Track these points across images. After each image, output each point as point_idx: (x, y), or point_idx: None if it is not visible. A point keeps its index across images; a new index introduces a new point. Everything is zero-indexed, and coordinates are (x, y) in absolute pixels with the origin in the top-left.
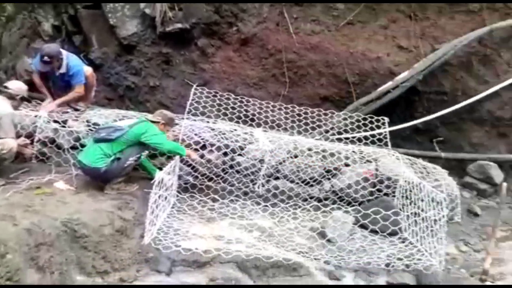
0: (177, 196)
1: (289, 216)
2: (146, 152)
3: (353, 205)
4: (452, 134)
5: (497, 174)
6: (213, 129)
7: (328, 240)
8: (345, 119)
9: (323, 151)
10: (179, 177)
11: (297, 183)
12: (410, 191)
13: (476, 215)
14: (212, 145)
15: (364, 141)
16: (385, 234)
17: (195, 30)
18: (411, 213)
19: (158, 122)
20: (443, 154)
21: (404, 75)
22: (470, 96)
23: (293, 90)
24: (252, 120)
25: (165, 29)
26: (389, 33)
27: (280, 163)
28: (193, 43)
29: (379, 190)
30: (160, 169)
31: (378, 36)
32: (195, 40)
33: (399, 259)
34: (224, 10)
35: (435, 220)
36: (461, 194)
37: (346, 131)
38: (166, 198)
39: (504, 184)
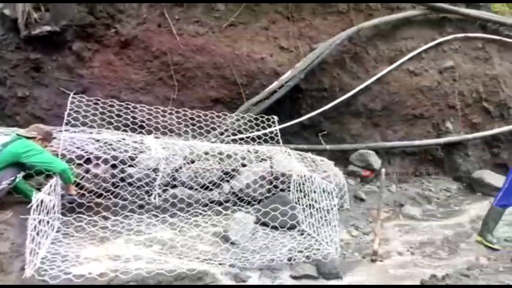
0: (62, 218)
1: (190, 224)
2: (22, 173)
3: (253, 204)
4: (334, 127)
5: (375, 161)
6: (97, 140)
7: (232, 243)
8: (237, 120)
9: (220, 153)
10: (62, 196)
11: (196, 189)
12: (303, 184)
13: (362, 200)
14: (97, 158)
15: (257, 140)
16: (284, 229)
17: (68, 33)
18: (306, 205)
19: (35, 138)
20: (328, 147)
21: (287, 74)
22: (346, 91)
23: (183, 93)
24: (142, 127)
25: (31, 33)
26: (270, 34)
27: (177, 170)
28: (66, 47)
29: (276, 187)
30: (39, 189)
31: (260, 37)
32: (69, 44)
33: (300, 251)
34: (99, 11)
35: (327, 210)
36: (347, 182)
37: (240, 132)
38: (48, 222)
39: (383, 170)
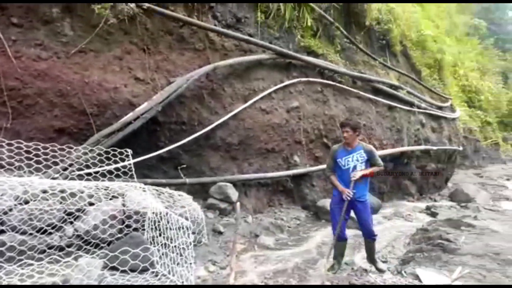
0: None
1: (21, 276)
2: None
3: (102, 247)
4: (194, 160)
5: (233, 193)
6: None
7: None
8: (85, 153)
9: (62, 191)
10: None
11: (31, 233)
12: (159, 222)
13: (220, 233)
14: None
15: (108, 175)
16: (136, 272)
17: None
18: (162, 244)
19: None
20: (187, 180)
21: (144, 106)
22: (205, 125)
23: (19, 122)
24: None
25: None
26: (125, 64)
27: (5, 213)
28: None
29: (128, 226)
30: None
31: (113, 66)
32: None
33: None
34: None
35: (183, 248)
36: (206, 215)
37: (88, 167)
38: None
39: (238, 203)
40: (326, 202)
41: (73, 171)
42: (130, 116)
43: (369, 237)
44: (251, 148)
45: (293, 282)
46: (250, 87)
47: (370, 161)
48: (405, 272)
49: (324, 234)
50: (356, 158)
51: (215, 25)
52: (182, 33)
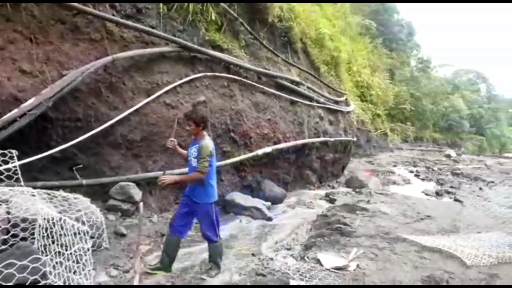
0: None
1: None
2: None
3: None
4: (91, 159)
5: (137, 193)
6: None
7: None
8: None
9: None
10: None
11: None
12: (51, 229)
13: (122, 235)
14: None
15: None
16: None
17: None
18: (55, 252)
19: None
20: (84, 181)
21: (31, 101)
22: (103, 121)
23: None
24: None
25: None
26: (7, 55)
27: None
28: None
29: (15, 236)
30: None
31: None
32: None
33: None
34: None
35: (80, 254)
36: (106, 218)
37: None
38: None
39: (141, 203)
40: (234, 196)
41: None
42: (15, 112)
43: (207, 240)
44: (155, 145)
45: (201, 278)
46: (153, 81)
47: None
48: (307, 257)
49: (232, 227)
50: (192, 153)
51: (113, 15)
52: (76, 22)
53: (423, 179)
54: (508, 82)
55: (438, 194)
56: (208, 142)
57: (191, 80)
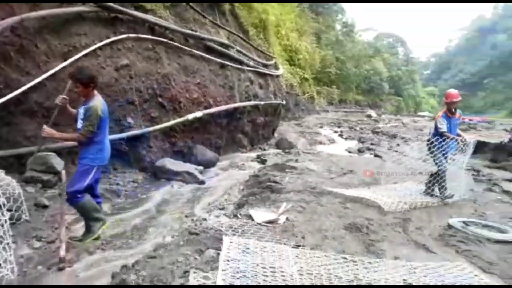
0: None
1: None
2: None
3: None
4: (4, 129)
5: (58, 163)
6: None
7: None
8: None
9: None
10: None
11: None
12: None
13: (45, 207)
14: None
15: None
16: None
17: None
18: None
19: None
20: None
21: None
22: (14, 88)
23: None
24: None
25: None
26: None
27: None
28: None
29: None
30: None
31: None
32: None
33: None
34: None
35: None
36: (25, 190)
37: None
38: None
39: (63, 171)
40: (164, 162)
41: None
42: None
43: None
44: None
45: (133, 243)
46: (69, 43)
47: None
48: (240, 214)
49: (163, 192)
50: (80, 113)
51: None
52: None
53: (346, 138)
54: (423, 47)
55: (360, 151)
56: (97, 103)
57: (113, 42)
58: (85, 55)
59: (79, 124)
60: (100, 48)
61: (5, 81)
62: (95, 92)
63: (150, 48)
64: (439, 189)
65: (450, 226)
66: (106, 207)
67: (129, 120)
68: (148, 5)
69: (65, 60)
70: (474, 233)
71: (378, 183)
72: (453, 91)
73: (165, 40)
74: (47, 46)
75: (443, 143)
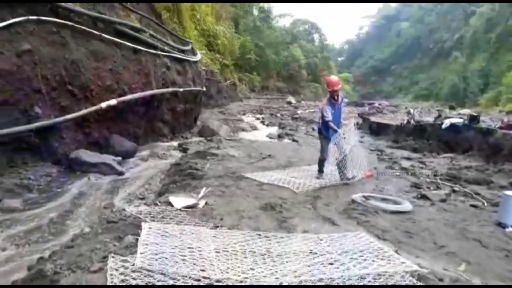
0: None
1: None
2: None
3: None
4: None
5: None
6: None
7: None
8: None
9: None
10: None
11: None
12: None
13: None
14: None
15: None
16: None
17: None
18: None
19: None
20: None
21: None
22: None
23: None
24: None
25: None
26: None
27: None
28: None
29: None
30: None
31: None
32: None
33: None
34: None
35: None
36: None
37: None
38: None
39: None
40: (79, 153)
41: None
42: None
43: None
44: None
45: (50, 237)
46: None
47: None
48: (159, 201)
49: (80, 185)
50: None
51: None
52: None
53: (268, 125)
54: (337, 34)
55: (279, 136)
56: None
57: (10, 25)
58: None
59: None
60: None
61: None
62: None
63: (54, 32)
64: (340, 172)
65: (353, 201)
66: (16, 203)
67: (37, 110)
68: None
69: None
70: (373, 206)
71: (292, 166)
72: (333, 78)
73: (70, 23)
74: None
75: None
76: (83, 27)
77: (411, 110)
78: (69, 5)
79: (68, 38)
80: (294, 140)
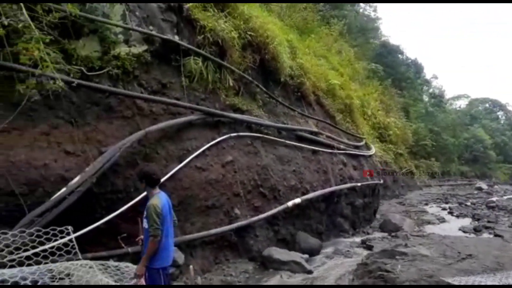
0: None
1: None
2: None
3: None
4: (134, 228)
5: (179, 256)
6: None
7: None
8: (16, 235)
9: (3, 282)
10: None
11: None
12: None
13: None
14: None
15: (51, 257)
16: None
17: None
18: None
19: None
20: (130, 249)
21: (77, 179)
22: (141, 191)
23: None
24: None
25: None
26: (52, 139)
27: None
28: None
29: None
30: None
31: (40, 143)
32: None
33: None
34: None
35: None
36: None
37: (26, 250)
38: None
39: (191, 266)
40: (271, 251)
41: (5, 256)
42: (63, 191)
43: None
44: (191, 207)
45: None
46: (183, 147)
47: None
48: None
49: (274, 283)
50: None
51: (141, 92)
52: (109, 103)
53: (457, 216)
54: None
55: (476, 230)
56: (155, 201)
57: (218, 142)
58: (196, 156)
59: (144, 224)
60: (208, 148)
61: (134, 186)
62: (155, 189)
63: (249, 143)
64: None
65: None
66: None
67: (236, 211)
68: (244, 107)
69: (180, 162)
70: None
71: (503, 269)
72: None
73: (261, 135)
74: (166, 152)
75: None
76: (270, 137)
77: None
78: (260, 120)
79: (259, 147)
80: (497, 235)
